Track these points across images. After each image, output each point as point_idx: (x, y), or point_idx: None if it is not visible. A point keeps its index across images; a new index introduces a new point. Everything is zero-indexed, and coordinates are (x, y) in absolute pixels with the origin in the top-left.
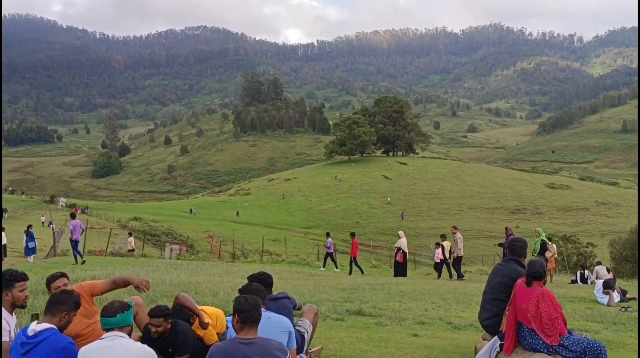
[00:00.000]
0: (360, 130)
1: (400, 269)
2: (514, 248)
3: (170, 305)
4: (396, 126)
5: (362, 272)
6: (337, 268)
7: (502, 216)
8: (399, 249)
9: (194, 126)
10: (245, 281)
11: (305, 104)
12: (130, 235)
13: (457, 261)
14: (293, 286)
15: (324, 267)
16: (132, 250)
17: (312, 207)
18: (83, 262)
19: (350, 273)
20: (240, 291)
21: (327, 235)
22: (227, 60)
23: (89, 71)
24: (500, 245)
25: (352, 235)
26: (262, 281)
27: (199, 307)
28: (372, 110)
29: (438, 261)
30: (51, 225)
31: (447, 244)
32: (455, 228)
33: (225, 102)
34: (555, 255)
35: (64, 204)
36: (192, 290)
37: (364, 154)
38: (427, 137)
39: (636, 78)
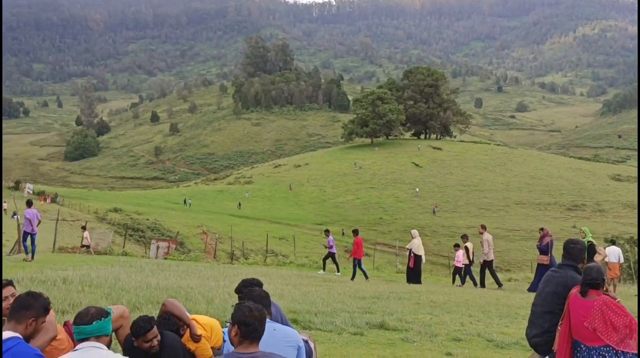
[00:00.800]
0: (386, 107)
1: (412, 275)
2: (571, 251)
3: (156, 314)
4: (429, 104)
5: (367, 277)
6: (338, 271)
7: (556, 214)
8: (411, 251)
9: (186, 100)
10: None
11: (319, 76)
12: (84, 228)
13: (486, 267)
14: (303, 293)
15: (324, 270)
16: (87, 246)
17: (327, 199)
18: (27, 260)
19: (353, 277)
20: (238, 293)
21: (327, 232)
22: (226, 21)
23: (61, 33)
24: (538, 247)
25: (355, 232)
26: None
27: (191, 316)
28: (401, 84)
29: (460, 265)
30: (15, 216)
31: (471, 246)
32: (483, 227)
33: (223, 72)
34: (621, 261)
35: (31, 192)
36: (182, 295)
37: (389, 137)
38: (467, 117)
39: None
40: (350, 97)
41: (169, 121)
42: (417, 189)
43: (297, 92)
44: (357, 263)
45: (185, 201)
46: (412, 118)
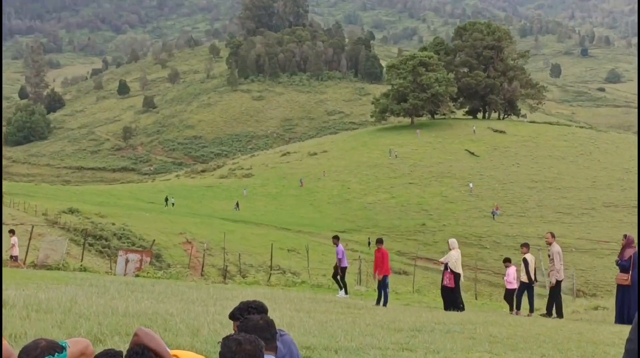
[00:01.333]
0: (431, 77)
1: (449, 297)
2: None
3: (125, 348)
4: (489, 72)
5: (346, 291)
6: (346, 292)
7: None
8: (446, 267)
9: (164, 66)
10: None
11: (342, 34)
12: (12, 233)
13: (555, 291)
14: (319, 323)
15: (342, 290)
16: (15, 258)
17: (351, 199)
18: None
19: (379, 302)
20: (233, 320)
21: (335, 239)
22: None
23: None
24: (617, 263)
25: (379, 241)
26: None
27: (171, 352)
28: (451, 45)
29: (512, 287)
30: None
31: (531, 258)
32: (552, 235)
33: (214, 29)
34: None
35: None
36: (159, 324)
37: (436, 116)
38: (540, 89)
39: None
40: (383, 63)
41: (142, 93)
42: (471, 185)
43: (312, 56)
44: (382, 283)
45: (167, 200)
46: (466, 91)
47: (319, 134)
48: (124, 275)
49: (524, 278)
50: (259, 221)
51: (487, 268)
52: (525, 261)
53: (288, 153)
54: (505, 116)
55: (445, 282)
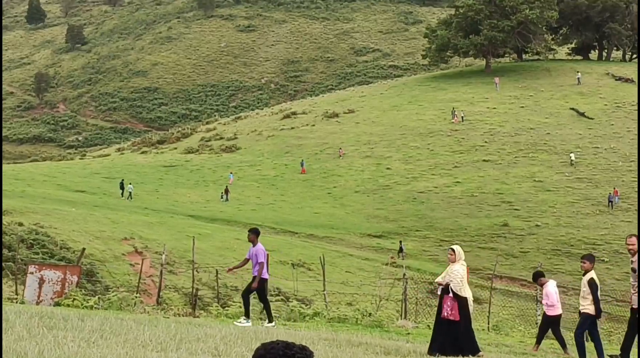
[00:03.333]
0: None
1: (450, 334)
2: None
3: None
4: None
5: (247, 315)
6: (247, 316)
7: None
8: (446, 289)
9: None
10: None
11: None
12: None
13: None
14: None
15: (271, 321)
16: None
17: (392, 186)
18: None
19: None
20: None
21: (254, 234)
22: None
23: None
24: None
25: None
26: None
27: None
28: None
29: (554, 313)
30: None
31: (590, 279)
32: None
33: None
34: None
35: None
36: None
37: (525, 57)
38: None
39: None
40: None
41: (65, 20)
42: (572, 156)
43: None
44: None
45: (122, 188)
46: (572, 17)
47: (341, 86)
48: (37, 302)
49: (588, 308)
50: (247, 220)
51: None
52: (592, 283)
53: (293, 114)
54: (634, 56)
55: (445, 313)
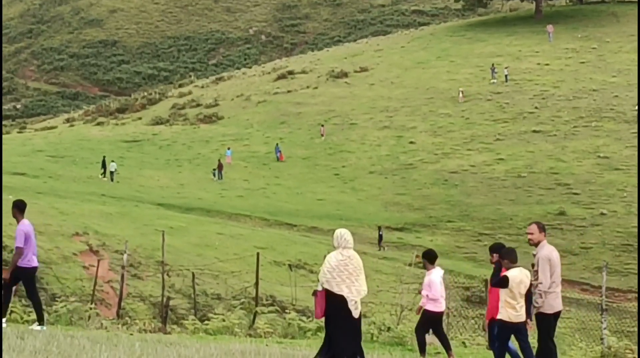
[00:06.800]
0: None
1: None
2: None
3: None
4: None
5: (40, 319)
6: (40, 321)
7: None
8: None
9: None
10: None
11: None
12: None
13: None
14: None
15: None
16: None
17: (417, 164)
18: None
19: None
20: None
21: (18, 211)
22: None
23: None
24: None
25: (496, 249)
26: None
27: None
28: None
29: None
30: None
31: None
32: (539, 228)
33: None
34: None
35: None
36: None
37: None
38: None
39: None
40: None
41: None
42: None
43: None
44: (495, 331)
45: (104, 166)
46: None
47: (350, 37)
48: None
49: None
50: (232, 209)
51: None
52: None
53: (290, 73)
54: None
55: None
